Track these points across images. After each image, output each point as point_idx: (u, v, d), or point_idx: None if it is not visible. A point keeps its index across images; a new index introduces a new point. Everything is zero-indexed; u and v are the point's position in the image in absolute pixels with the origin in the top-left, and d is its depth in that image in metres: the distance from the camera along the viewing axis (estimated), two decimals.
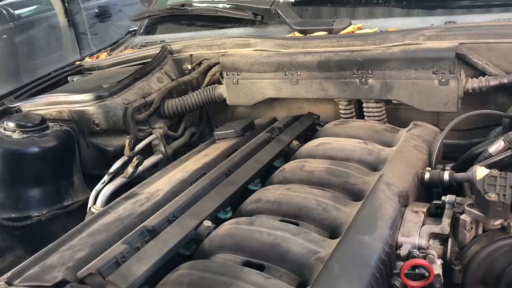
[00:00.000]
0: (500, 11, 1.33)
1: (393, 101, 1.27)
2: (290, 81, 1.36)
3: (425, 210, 0.83)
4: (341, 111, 1.36)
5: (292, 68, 1.34)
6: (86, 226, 0.89)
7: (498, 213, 0.75)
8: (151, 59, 1.59)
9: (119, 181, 1.22)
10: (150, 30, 1.97)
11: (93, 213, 1.11)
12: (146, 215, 0.89)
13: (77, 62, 1.86)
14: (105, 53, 1.91)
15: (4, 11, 4.30)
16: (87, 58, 1.91)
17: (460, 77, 1.16)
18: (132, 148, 1.26)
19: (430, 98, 1.20)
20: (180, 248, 0.77)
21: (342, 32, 1.41)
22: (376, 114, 1.31)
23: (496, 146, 0.99)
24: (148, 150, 1.41)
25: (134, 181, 1.18)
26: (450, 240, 0.79)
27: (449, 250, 0.78)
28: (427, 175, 0.96)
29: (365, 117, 1.33)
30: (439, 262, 0.73)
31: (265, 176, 1.02)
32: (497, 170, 0.79)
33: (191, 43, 1.61)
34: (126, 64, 1.71)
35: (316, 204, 0.79)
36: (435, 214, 0.86)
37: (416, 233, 0.78)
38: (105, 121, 1.37)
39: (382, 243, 0.70)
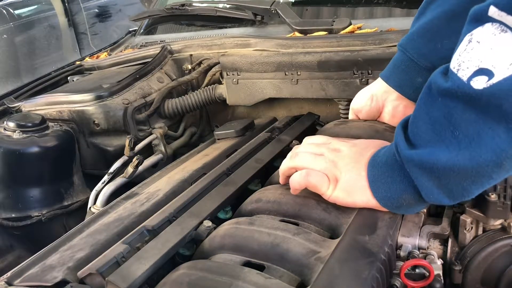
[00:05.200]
0: None
1: None
2: (290, 81, 1.36)
3: (425, 210, 0.83)
4: (341, 111, 1.36)
5: (292, 68, 1.34)
6: (86, 226, 0.89)
7: (498, 213, 0.75)
8: (151, 59, 1.59)
9: (119, 181, 1.22)
10: (150, 30, 1.97)
11: (93, 213, 1.11)
12: (146, 215, 0.89)
13: (77, 62, 1.86)
14: (105, 53, 1.91)
15: (4, 11, 4.30)
16: (87, 58, 1.91)
17: None
18: (132, 148, 1.26)
19: None
20: (180, 248, 0.77)
21: (342, 32, 1.41)
22: None
23: None
24: (148, 150, 1.41)
25: (134, 181, 1.18)
26: (450, 240, 0.79)
27: (449, 250, 0.78)
28: None
29: None
30: (439, 262, 0.73)
31: (265, 176, 1.02)
32: None
33: (191, 43, 1.61)
34: (126, 64, 1.71)
35: (316, 204, 0.79)
36: (435, 214, 0.86)
37: (416, 233, 0.78)
38: (105, 121, 1.37)
39: (382, 243, 0.70)
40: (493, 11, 0.51)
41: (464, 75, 0.54)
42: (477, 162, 0.56)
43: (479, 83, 0.52)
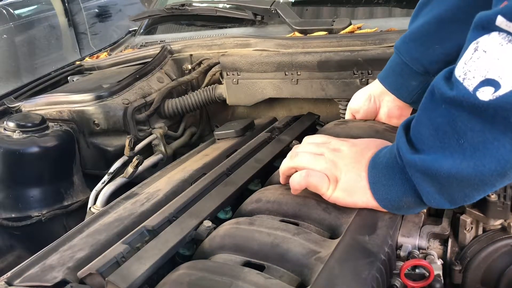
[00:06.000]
0: None
1: None
2: (290, 81, 1.36)
3: (425, 210, 0.83)
4: (341, 111, 1.36)
5: (292, 68, 1.34)
6: (86, 226, 0.89)
7: (498, 213, 0.75)
8: (151, 59, 1.59)
9: (119, 181, 1.22)
10: (150, 30, 1.97)
11: (93, 213, 1.11)
12: (146, 215, 0.89)
13: (77, 62, 1.86)
14: (105, 53, 1.91)
15: (4, 11, 4.30)
16: (87, 58, 1.91)
17: None
18: (132, 148, 1.26)
19: None
20: (180, 248, 0.77)
21: (342, 32, 1.41)
22: None
23: None
24: (148, 150, 1.41)
25: (134, 181, 1.18)
26: (450, 240, 0.79)
27: (449, 250, 0.78)
28: None
29: None
30: (439, 262, 0.73)
31: (265, 176, 1.02)
32: None
33: (191, 43, 1.61)
34: (126, 64, 1.71)
35: (316, 204, 0.79)
36: (435, 214, 0.86)
37: (416, 233, 0.78)
38: (105, 121, 1.37)
39: (382, 243, 0.70)
40: (500, 21, 0.50)
41: (470, 84, 0.53)
42: (480, 171, 0.56)
43: (485, 94, 0.51)
